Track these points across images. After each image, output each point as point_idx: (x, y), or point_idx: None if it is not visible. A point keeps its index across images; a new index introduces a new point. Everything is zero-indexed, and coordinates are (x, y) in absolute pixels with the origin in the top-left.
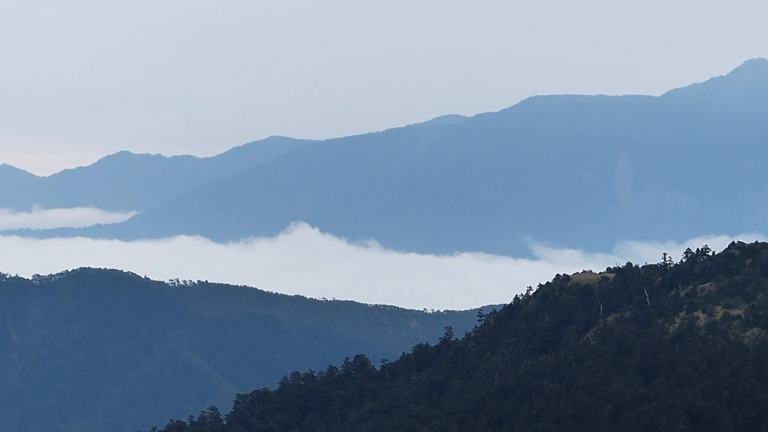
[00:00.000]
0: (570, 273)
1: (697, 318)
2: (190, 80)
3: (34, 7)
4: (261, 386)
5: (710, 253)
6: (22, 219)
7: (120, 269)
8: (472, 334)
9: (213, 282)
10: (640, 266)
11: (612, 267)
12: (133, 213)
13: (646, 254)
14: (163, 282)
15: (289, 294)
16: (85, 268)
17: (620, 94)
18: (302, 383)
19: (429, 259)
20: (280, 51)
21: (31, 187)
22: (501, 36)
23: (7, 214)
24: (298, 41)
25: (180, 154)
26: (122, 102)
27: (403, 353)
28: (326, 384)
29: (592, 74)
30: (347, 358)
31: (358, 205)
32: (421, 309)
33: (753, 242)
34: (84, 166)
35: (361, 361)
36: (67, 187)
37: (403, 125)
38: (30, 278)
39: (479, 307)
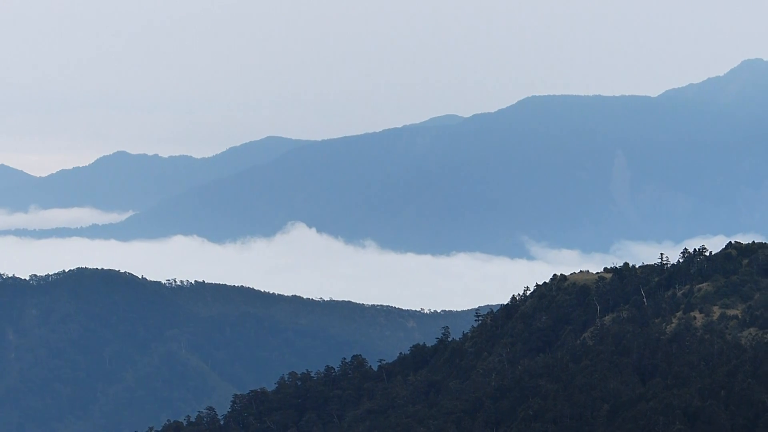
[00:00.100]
0: (567, 273)
1: (694, 318)
2: (187, 80)
3: (31, 7)
4: (258, 386)
5: (707, 253)
6: (19, 219)
7: (117, 269)
8: (469, 334)
9: (210, 282)
10: (637, 266)
11: (609, 267)
12: (130, 213)
13: (643, 254)
14: (160, 282)
15: (286, 294)
16: (82, 268)
17: (617, 94)
18: (299, 383)
19: (426, 259)
20: (278, 51)
21: (28, 187)
22: (498, 36)
23: (4, 214)
24: (295, 41)
25: (177, 154)
26: (119, 102)
27: (400, 353)
28: (323, 384)
29: (589, 74)
30: (344, 358)
31: (355, 205)
32: (418, 309)
33: (750, 242)
34: (81, 166)
35: (358, 361)
36: (64, 187)
37: (400, 125)
38: (27, 278)
39: (476, 307)
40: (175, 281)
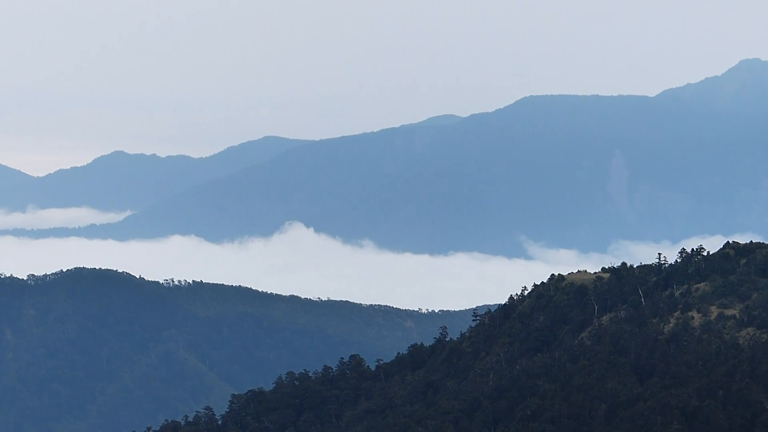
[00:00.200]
0: (565, 273)
1: (692, 318)
2: (185, 80)
3: (28, 7)
4: (256, 386)
5: (705, 253)
6: (17, 219)
7: (114, 269)
8: (467, 333)
9: (208, 282)
10: (634, 266)
11: (607, 267)
12: (128, 213)
13: (641, 254)
14: (157, 282)
15: (283, 294)
16: (79, 268)
17: (615, 94)
18: (297, 383)
19: (424, 259)
20: (276, 51)
21: (25, 187)
22: (495, 36)
23: (2, 214)
24: (293, 41)
25: (174, 154)
26: (117, 102)
27: (398, 353)
28: (321, 384)
29: (587, 74)
30: (342, 358)
31: (353, 205)
32: (416, 309)
33: (748, 242)
34: (78, 166)
35: (355, 361)
36: (62, 187)
37: (397, 125)
38: (25, 278)
39: (474, 307)
40: (173, 281)
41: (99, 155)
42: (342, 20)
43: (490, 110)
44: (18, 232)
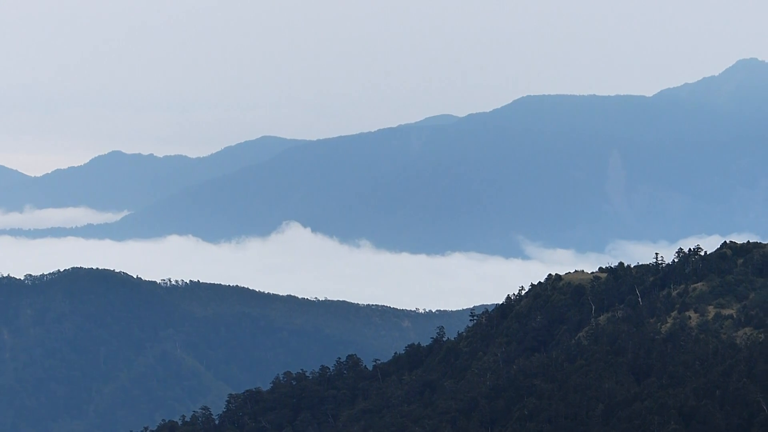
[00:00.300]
0: (562, 273)
1: (689, 318)
2: (182, 80)
3: (26, 7)
4: (253, 386)
5: (702, 253)
6: (14, 219)
7: (112, 269)
8: (464, 333)
9: (205, 282)
10: (632, 266)
11: (604, 267)
12: (125, 213)
13: (638, 254)
14: (155, 282)
15: (281, 294)
16: (77, 267)
17: (612, 94)
18: (294, 383)
19: (421, 259)
20: (273, 51)
21: (22, 187)
22: (493, 36)
23: None
24: (290, 41)
25: (172, 154)
26: (114, 102)
27: (395, 353)
28: (318, 384)
29: (584, 74)
30: (339, 358)
31: (350, 204)
32: (413, 309)
33: (745, 242)
34: (76, 165)
35: (353, 361)
36: (59, 187)
37: (395, 125)
38: (22, 278)
39: (471, 306)
40: (170, 281)
41: (96, 155)
42: (339, 20)
43: (488, 110)
44: (15, 232)
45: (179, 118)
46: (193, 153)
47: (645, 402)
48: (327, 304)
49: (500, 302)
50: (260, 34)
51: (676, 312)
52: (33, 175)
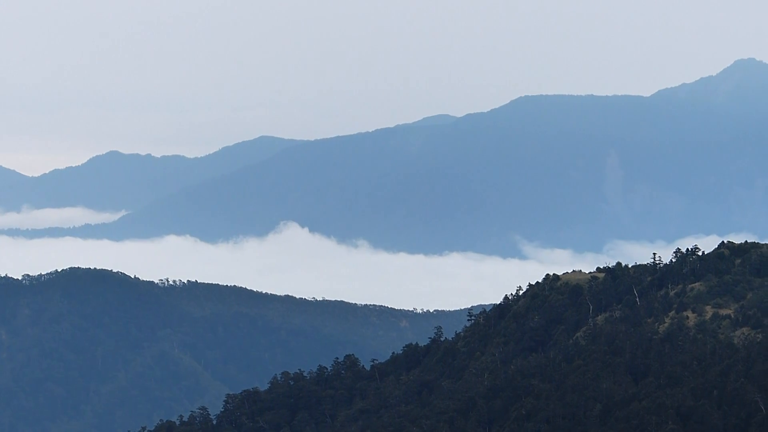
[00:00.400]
0: (560, 273)
1: (687, 318)
2: (180, 80)
3: (23, 7)
4: (250, 386)
5: (700, 253)
6: (12, 219)
7: (109, 269)
8: (462, 333)
9: (202, 282)
10: (629, 266)
11: (602, 267)
12: (123, 213)
13: (636, 254)
14: (152, 282)
15: (278, 294)
16: (74, 267)
17: (610, 94)
18: (292, 383)
19: (419, 259)
20: (270, 51)
21: (20, 187)
22: (491, 36)
23: None
24: (288, 41)
25: (169, 154)
26: (112, 102)
27: (393, 353)
28: (316, 384)
29: (582, 74)
30: (337, 358)
31: (348, 204)
32: (411, 309)
33: (743, 242)
34: (73, 165)
35: (350, 361)
36: (57, 187)
37: (392, 125)
38: (19, 278)
39: (469, 306)
40: (168, 281)
41: (94, 155)
42: (337, 20)
43: (485, 110)
44: (13, 232)
45: (177, 118)
46: (190, 153)
47: (643, 402)
48: (325, 304)
49: (498, 302)
50: (258, 34)
51: (673, 312)
52: (31, 175)
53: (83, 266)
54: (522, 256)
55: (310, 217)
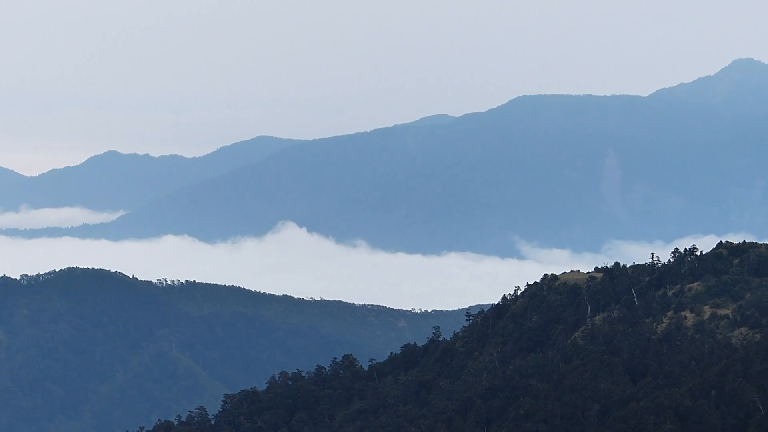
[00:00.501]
0: (558, 273)
1: (685, 318)
2: (178, 80)
3: (21, 7)
4: (249, 386)
5: (698, 253)
6: (10, 219)
7: (108, 269)
8: (460, 333)
9: (200, 282)
10: (627, 266)
11: (600, 267)
12: (121, 213)
13: (634, 254)
14: (150, 282)
15: (276, 294)
16: (72, 267)
17: (608, 94)
18: (290, 383)
19: (417, 259)
20: (269, 51)
21: (18, 187)
22: (489, 36)
23: None
24: (286, 41)
25: (168, 154)
26: (110, 102)
27: (391, 353)
28: (314, 384)
29: (580, 74)
30: (335, 358)
31: (346, 204)
32: (409, 309)
33: (741, 242)
34: (71, 165)
35: (348, 361)
36: (55, 187)
37: (390, 125)
38: (17, 278)
39: (467, 306)
40: (166, 281)
41: (92, 155)
42: (335, 20)
43: (483, 110)
44: (11, 232)
45: (175, 118)
46: (188, 153)
47: (641, 402)
48: (323, 304)
49: (496, 302)
50: (256, 35)
51: (671, 312)
52: (29, 175)
53: (81, 266)
54: (520, 256)
55: (309, 217)
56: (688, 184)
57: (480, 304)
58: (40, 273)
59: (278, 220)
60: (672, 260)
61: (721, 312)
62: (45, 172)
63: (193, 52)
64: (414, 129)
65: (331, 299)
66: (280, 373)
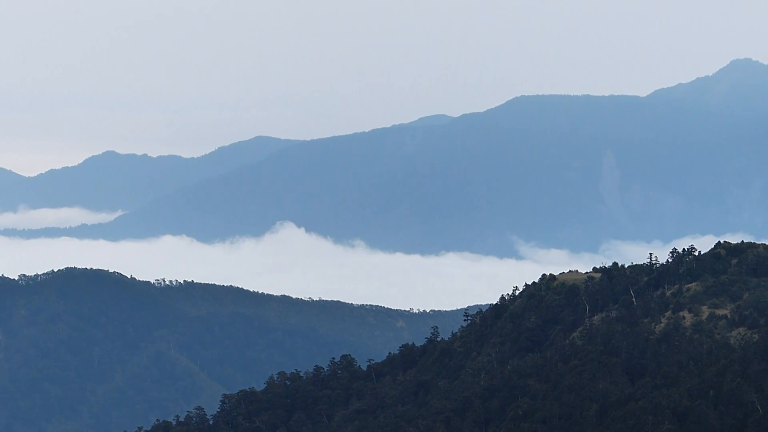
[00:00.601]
0: (556, 273)
1: (683, 318)
2: (176, 80)
3: (19, 7)
4: (247, 386)
5: (696, 253)
6: (8, 219)
7: (106, 269)
8: (458, 333)
9: (199, 282)
10: (626, 266)
11: (598, 267)
12: (119, 213)
13: (632, 254)
14: (149, 282)
15: (275, 294)
16: (71, 268)
17: (606, 94)
18: (288, 383)
19: (415, 259)
20: (267, 51)
21: (17, 187)
22: (487, 36)
23: None
24: (284, 41)
25: (166, 154)
26: (108, 102)
27: (390, 353)
28: (312, 384)
29: (579, 74)
30: (333, 358)
31: (344, 205)
32: (407, 309)
33: (739, 242)
34: (70, 166)
35: (347, 361)
36: (53, 187)
37: (389, 125)
38: (16, 278)
39: (465, 307)
40: (164, 281)
41: (90, 155)
42: (334, 20)
43: (482, 110)
44: (9, 232)
45: (173, 119)
46: (187, 153)
47: (639, 402)
48: (321, 304)
49: (494, 302)
50: (254, 35)
51: (670, 312)
52: (27, 176)
53: (80, 266)
54: (518, 257)
55: (307, 217)
56: (686, 185)
57: (478, 304)
58: (39, 273)
59: (276, 220)
60: (670, 260)
61: (720, 312)
62: (43, 172)
63: (192, 52)
64: (412, 129)
65: (330, 299)
66: (279, 373)
